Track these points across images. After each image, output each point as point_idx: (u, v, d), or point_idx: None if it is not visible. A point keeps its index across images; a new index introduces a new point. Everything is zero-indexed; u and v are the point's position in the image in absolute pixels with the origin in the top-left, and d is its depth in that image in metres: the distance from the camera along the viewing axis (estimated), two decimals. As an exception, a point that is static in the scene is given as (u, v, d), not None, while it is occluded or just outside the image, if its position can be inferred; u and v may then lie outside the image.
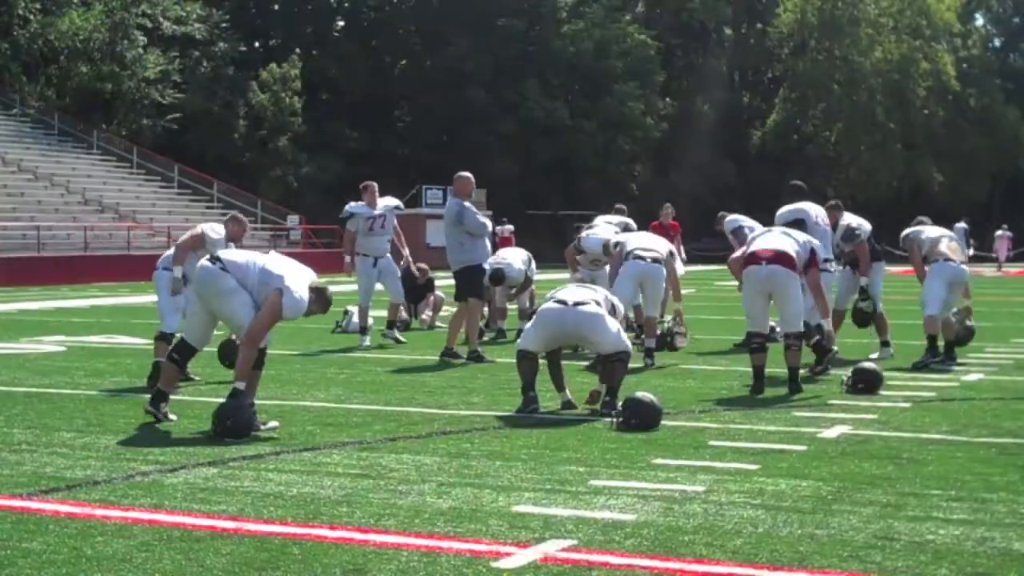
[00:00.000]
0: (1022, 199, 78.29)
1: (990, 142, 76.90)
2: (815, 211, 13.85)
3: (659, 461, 7.96)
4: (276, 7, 75.16)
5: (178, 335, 10.51)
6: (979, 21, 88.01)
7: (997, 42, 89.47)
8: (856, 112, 74.68)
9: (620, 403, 9.55)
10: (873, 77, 75.12)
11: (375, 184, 16.76)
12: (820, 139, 76.46)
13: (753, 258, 11.67)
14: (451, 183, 15.57)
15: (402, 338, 16.64)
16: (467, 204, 14.72)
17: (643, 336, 14.22)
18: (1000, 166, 78.48)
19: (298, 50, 64.76)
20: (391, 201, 16.86)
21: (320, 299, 9.63)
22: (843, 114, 75.22)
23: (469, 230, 14.66)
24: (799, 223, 13.40)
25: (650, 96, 70.80)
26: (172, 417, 9.63)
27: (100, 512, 6.55)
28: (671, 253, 14.40)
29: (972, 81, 78.85)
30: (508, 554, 5.71)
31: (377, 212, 16.43)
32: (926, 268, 13.82)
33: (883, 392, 11.37)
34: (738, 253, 11.99)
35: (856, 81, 75.42)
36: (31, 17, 57.14)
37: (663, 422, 9.38)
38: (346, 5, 75.42)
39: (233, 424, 8.86)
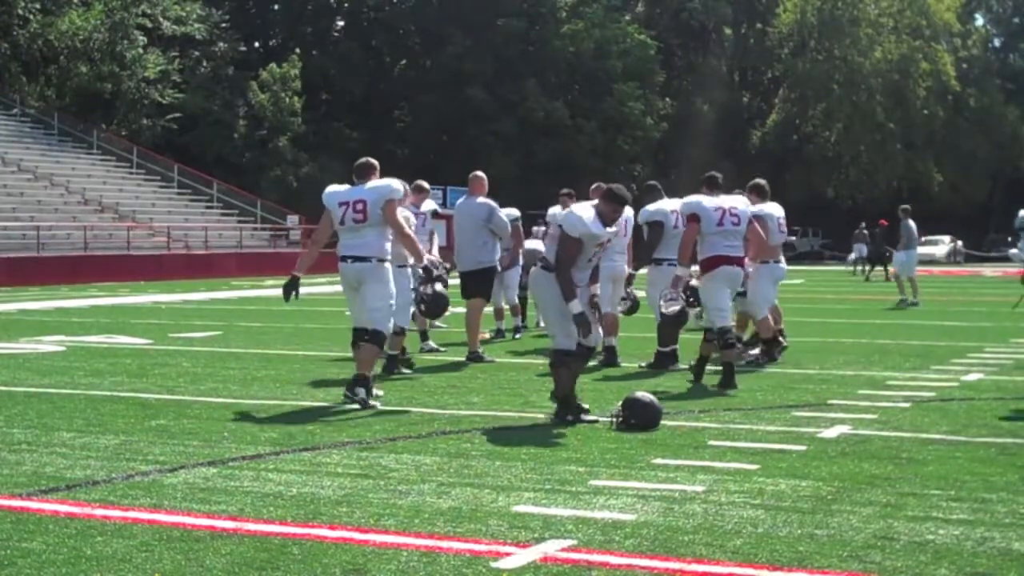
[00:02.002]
0: (1022, 199, 78.32)
1: (990, 142, 76.99)
2: (675, 215, 13.77)
3: (659, 461, 7.96)
4: (276, 7, 75.30)
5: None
6: (979, 21, 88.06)
7: (997, 42, 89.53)
8: (856, 112, 74.73)
9: (619, 404, 9.50)
10: (873, 77, 75.15)
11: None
12: (820, 139, 76.49)
13: (727, 260, 12.17)
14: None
15: (439, 347, 15.75)
16: (495, 205, 14.83)
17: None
18: (1000, 166, 78.59)
19: (298, 50, 64.82)
20: (431, 204, 16.35)
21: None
22: (843, 114, 75.26)
23: (497, 231, 14.78)
24: (658, 225, 13.63)
25: (650, 96, 70.87)
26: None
27: (100, 512, 6.55)
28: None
29: (972, 81, 78.93)
30: (508, 554, 5.70)
31: (422, 211, 15.72)
32: (757, 266, 13.86)
33: (883, 392, 11.39)
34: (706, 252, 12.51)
35: (856, 81, 75.44)
36: (31, 17, 57.16)
37: (663, 422, 9.38)
38: (346, 5, 75.50)
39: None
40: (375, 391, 10.82)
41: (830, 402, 10.80)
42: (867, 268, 43.31)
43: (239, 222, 53.10)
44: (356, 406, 10.44)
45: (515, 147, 65.78)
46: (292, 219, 54.18)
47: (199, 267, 44.35)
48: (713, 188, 12.56)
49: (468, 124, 66.56)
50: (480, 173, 14.93)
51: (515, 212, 16.86)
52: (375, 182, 11.00)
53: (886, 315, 22.76)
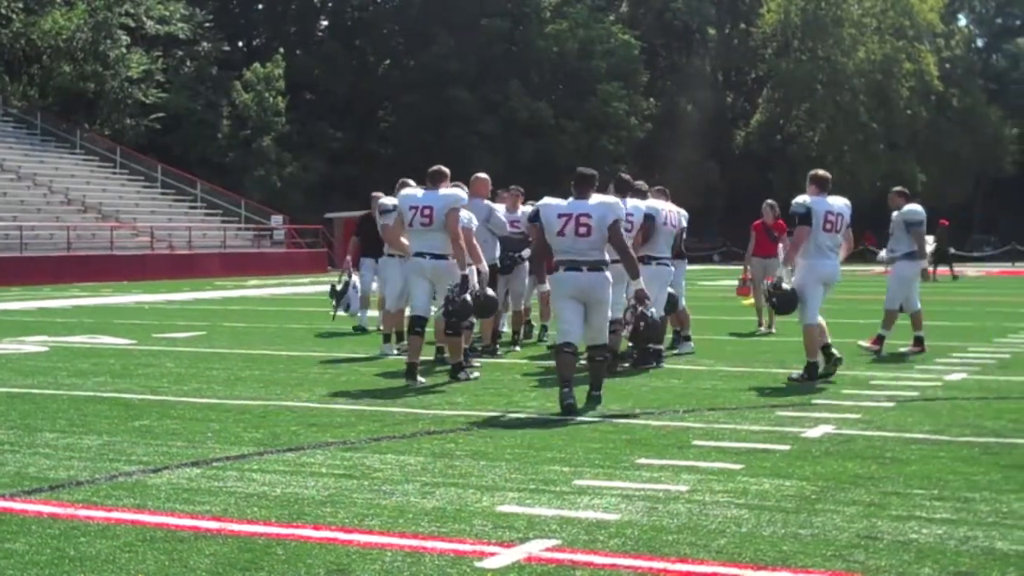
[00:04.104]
0: (1005, 199, 78.52)
1: (973, 142, 77.10)
2: (665, 212, 14.00)
3: (643, 461, 7.97)
4: (260, 7, 75.18)
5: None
6: (962, 21, 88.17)
7: (980, 42, 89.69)
8: (839, 112, 74.76)
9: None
10: (856, 77, 75.22)
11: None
12: (803, 139, 76.51)
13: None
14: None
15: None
16: (493, 205, 15.23)
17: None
18: (983, 166, 78.71)
19: (281, 50, 64.72)
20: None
21: None
22: (826, 114, 75.27)
23: (495, 230, 15.11)
24: (648, 219, 13.72)
25: (634, 96, 70.85)
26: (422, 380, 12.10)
27: (83, 513, 6.54)
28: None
29: (955, 81, 79.02)
30: (492, 554, 5.71)
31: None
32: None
33: (867, 392, 11.42)
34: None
35: (839, 81, 75.49)
36: (13, 16, 56.98)
37: (647, 422, 9.38)
38: (330, 5, 75.42)
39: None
40: (475, 363, 13.05)
41: (814, 402, 10.82)
42: (932, 269, 42.35)
43: (223, 222, 53.00)
44: (342, 405, 10.45)
45: (499, 147, 65.71)
46: (276, 219, 54.09)
47: (183, 267, 44.27)
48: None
49: (452, 124, 66.50)
50: (483, 175, 15.18)
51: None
52: (444, 190, 12.35)
53: (870, 315, 22.77)
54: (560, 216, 10.48)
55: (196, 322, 20.88)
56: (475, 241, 13.02)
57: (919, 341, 15.41)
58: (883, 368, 13.56)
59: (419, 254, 12.27)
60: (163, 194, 53.95)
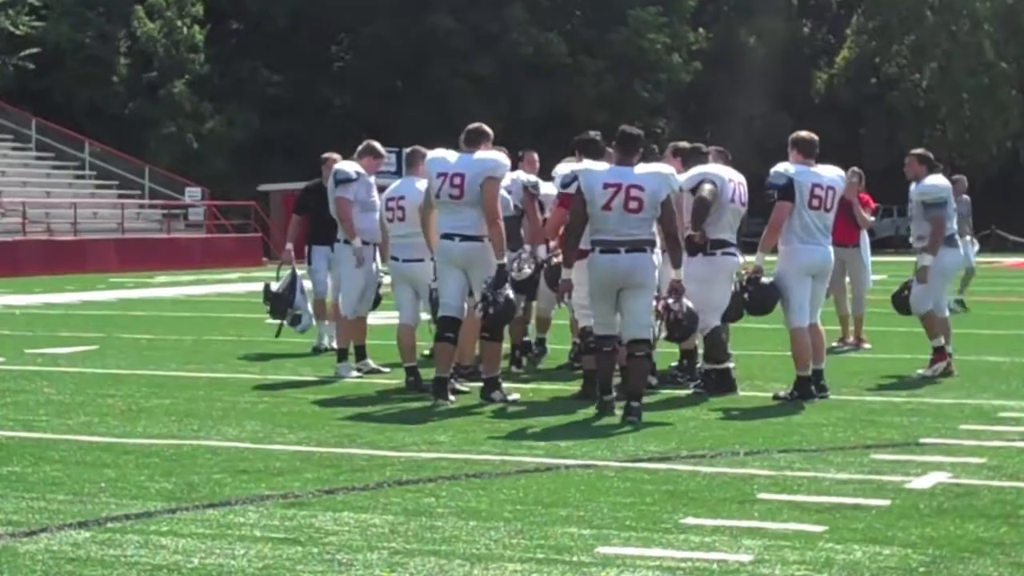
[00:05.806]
0: None
1: None
2: (732, 184, 13.95)
3: (691, 521, 7.98)
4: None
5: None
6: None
7: None
8: (956, 47, 74.77)
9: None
10: (979, 1, 75.25)
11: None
12: (907, 84, 76.55)
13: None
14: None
15: (382, 368, 15.79)
16: None
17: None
18: None
19: (198, -37, 64.78)
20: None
21: None
22: (939, 50, 75.29)
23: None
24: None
25: (678, 26, 70.88)
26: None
27: (-69, 591, 6.55)
28: None
29: (1116, 5, 79.02)
30: (486, 647, 5.72)
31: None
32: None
33: (994, 427, 11.42)
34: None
35: (956, 6, 75.52)
36: None
37: (696, 468, 9.39)
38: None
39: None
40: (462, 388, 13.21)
41: (922, 441, 10.83)
42: None
43: (120, 196, 53.00)
44: (282, 445, 10.47)
45: (495, 94, 65.79)
46: (192, 192, 53.98)
47: (66, 258, 44.25)
48: (591, 153, 12.91)
49: (432, 64, 66.56)
50: (485, 127, 15.02)
51: (532, 178, 15.81)
52: (481, 154, 12.70)
53: (1000, 323, 22.77)
54: (607, 186, 11.43)
55: (85, 333, 20.89)
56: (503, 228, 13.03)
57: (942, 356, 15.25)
58: (1017, 396, 13.55)
59: (447, 235, 12.68)
60: (39, 159, 53.95)
